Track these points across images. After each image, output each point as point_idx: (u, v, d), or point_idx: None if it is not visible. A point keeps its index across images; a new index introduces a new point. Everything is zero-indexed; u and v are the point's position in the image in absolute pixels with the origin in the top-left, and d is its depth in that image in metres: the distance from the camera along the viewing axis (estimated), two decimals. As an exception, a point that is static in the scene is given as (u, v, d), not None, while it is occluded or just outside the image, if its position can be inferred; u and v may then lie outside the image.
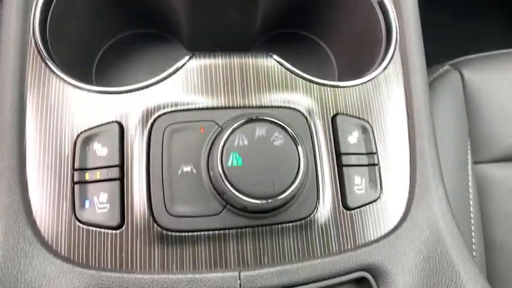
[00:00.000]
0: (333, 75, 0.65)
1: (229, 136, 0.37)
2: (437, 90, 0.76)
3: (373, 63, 0.52)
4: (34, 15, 0.44)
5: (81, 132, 0.41)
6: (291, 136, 0.38)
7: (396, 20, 0.51)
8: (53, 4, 0.46)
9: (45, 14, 0.45)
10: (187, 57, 0.45)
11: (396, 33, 0.50)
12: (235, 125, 0.37)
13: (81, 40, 0.54)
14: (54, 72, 0.42)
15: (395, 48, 0.50)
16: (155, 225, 0.39)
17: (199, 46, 0.62)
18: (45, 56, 0.43)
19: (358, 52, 0.58)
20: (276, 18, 0.62)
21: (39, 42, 0.43)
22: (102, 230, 0.39)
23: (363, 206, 0.43)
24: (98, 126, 0.41)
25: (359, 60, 0.58)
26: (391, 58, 0.49)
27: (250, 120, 0.38)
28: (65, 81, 0.42)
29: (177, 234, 0.39)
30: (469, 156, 0.75)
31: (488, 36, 1.46)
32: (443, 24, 1.32)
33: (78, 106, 0.42)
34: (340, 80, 0.65)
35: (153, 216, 0.39)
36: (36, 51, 0.43)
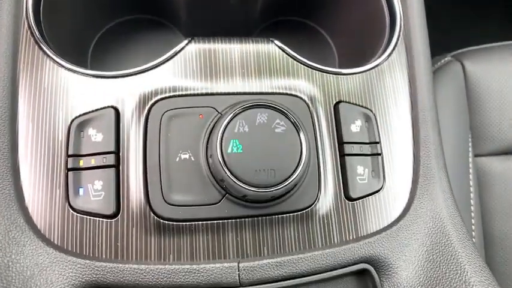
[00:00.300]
0: (333, 64, 0.64)
1: (229, 122, 0.36)
2: (439, 81, 0.75)
3: (375, 52, 0.50)
4: None
5: (76, 117, 0.39)
6: (292, 123, 0.37)
7: (400, 7, 0.49)
8: None
9: None
10: (186, 41, 0.43)
11: (401, 21, 0.49)
12: (236, 111, 0.36)
13: (76, 24, 0.52)
14: (47, 55, 0.41)
15: (399, 36, 0.48)
16: (152, 214, 0.37)
17: (198, 33, 0.60)
18: (39, 38, 0.41)
19: (360, 40, 0.57)
20: (276, 5, 0.60)
21: (33, 24, 0.42)
22: (97, 219, 0.37)
23: (365, 196, 0.42)
24: (93, 111, 0.39)
25: (360, 49, 0.57)
26: (395, 46, 0.48)
27: (251, 107, 0.36)
28: (59, 64, 0.41)
29: (175, 223, 0.38)
30: (470, 149, 0.74)
31: (488, 26, 1.45)
32: (444, 14, 1.31)
33: (73, 90, 0.40)
34: (340, 68, 0.64)
35: (149, 205, 0.38)
36: (29, 33, 0.41)
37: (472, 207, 0.71)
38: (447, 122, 0.72)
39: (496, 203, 0.74)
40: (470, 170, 0.73)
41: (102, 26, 0.59)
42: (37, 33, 0.42)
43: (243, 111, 0.36)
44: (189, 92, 0.41)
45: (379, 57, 0.48)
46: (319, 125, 0.42)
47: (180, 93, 0.41)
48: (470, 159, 0.74)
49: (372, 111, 0.44)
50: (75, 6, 0.51)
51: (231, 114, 0.36)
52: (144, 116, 0.39)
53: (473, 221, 0.70)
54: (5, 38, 0.41)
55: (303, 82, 0.43)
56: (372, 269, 0.40)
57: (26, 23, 0.42)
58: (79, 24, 0.53)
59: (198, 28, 0.59)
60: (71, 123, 0.39)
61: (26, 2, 0.42)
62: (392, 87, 0.47)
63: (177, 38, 0.63)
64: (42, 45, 0.41)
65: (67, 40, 0.48)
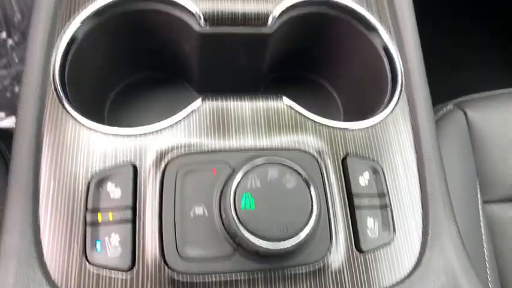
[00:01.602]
0: (338, 115, 0.66)
1: (241, 178, 0.37)
2: (442, 130, 0.77)
3: (380, 104, 0.53)
4: (55, 61, 0.46)
5: (96, 174, 0.41)
6: (303, 178, 0.38)
7: (401, 64, 0.52)
8: (72, 50, 0.48)
9: (64, 58, 0.47)
10: (199, 101, 0.46)
11: (402, 77, 0.52)
12: (248, 167, 0.38)
13: (95, 82, 0.56)
14: (71, 115, 0.44)
15: (401, 91, 0.51)
16: (166, 268, 0.38)
17: (209, 88, 0.64)
18: (64, 99, 0.45)
19: (364, 93, 0.60)
20: (283, 61, 0.64)
21: (59, 86, 0.45)
22: (113, 274, 0.38)
23: (376, 249, 0.42)
24: (112, 167, 0.41)
25: (364, 101, 0.59)
26: (398, 100, 0.50)
27: (263, 164, 0.38)
28: (81, 124, 0.43)
29: (188, 277, 0.38)
30: (479, 196, 0.74)
31: (488, 70, 1.49)
32: (444, 60, 1.36)
33: (93, 148, 0.43)
34: (346, 119, 0.66)
35: (164, 259, 0.38)
36: (55, 94, 0.45)
37: (486, 258, 0.69)
38: (453, 170, 0.73)
39: (511, 251, 0.72)
40: (481, 218, 0.73)
41: (120, 82, 0.63)
42: (62, 94, 0.45)
43: (254, 167, 0.38)
44: (203, 149, 0.43)
45: (383, 110, 0.50)
46: (328, 179, 0.43)
47: (195, 150, 0.43)
48: (480, 207, 0.73)
49: (378, 163, 0.46)
50: (96, 67, 0.55)
51: (244, 171, 0.38)
52: (161, 172, 0.41)
53: (488, 271, 0.68)
54: (32, 100, 0.44)
55: (311, 137, 0.45)
56: None
57: (52, 85, 0.45)
58: (98, 82, 0.57)
59: (208, 83, 0.63)
60: (91, 179, 0.41)
61: (54, 65, 0.46)
62: (397, 140, 0.48)
63: (187, 92, 0.66)
64: (66, 105, 0.44)
65: (86, 96, 0.52)
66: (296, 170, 0.39)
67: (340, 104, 0.68)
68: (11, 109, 1.55)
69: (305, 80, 0.68)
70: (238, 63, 0.59)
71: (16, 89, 1.58)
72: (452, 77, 1.37)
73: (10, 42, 1.62)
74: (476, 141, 0.78)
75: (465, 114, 0.80)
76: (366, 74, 0.59)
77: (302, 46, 0.61)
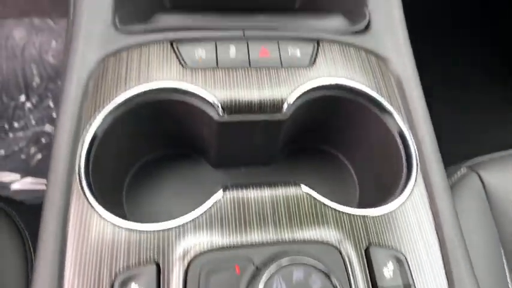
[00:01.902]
0: (353, 186, 0.66)
1: (266, 282, 0.37)
2: (459, 196, 0.77)
3: (396, 181, 0.53)
4: (81, 159, 0.48)
5: (119, 273, 0.41)
6: (331, 282, 0.38)
7: (415, 147, 0.53)
8: (95, 144, 0.50)
9: (88, 153, 0.49)
10: (221, 192, 0.47)
11: (417, 161, 0.52)
12: (273, 269, 0.38)
13: (113, 168, 0.57)
14: (95, 210, 0.45)
15: (417, 174, 0.51)
16: None
17: (224, 163, 0.66)
18: (88, 195, 0.46)
19: (378, 167, 0.60)
20: (297, 136, 0.66)
21: (84, 180, 0.47)
22: None
23: None
24: (135, 266, 0.42)
25: (379, 175, 0.60)
26: (414, 185, 0.50)
27: (288, 265, 0.38)
28: (105, 219, 0.44)
29: None
30: (505, 266, 0.71)
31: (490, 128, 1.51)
32: (449, 121, 1.38)
33: (117, 244, 0.43)
34: (361, 191, 0.66)
35: None
36: (80, 189, 0.46)
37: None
38: (475, 239, 0.71)
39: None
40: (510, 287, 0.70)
41: (136, 163, 0.64)
42: (87, 189, 0.46)
43: (279, 269, 0.38)
44: (225, 244, 0.43)
45: (401, 193, 0.50)
46: (353, 272, 0.43)
47: (217, 245, 0.43)
48: (508, 276, 0.71)
49: (402, 252, 0.45)
50: (116, 155, 0.57)
51: (268, 273, 0.38)
52: (184, 271, 0.41)
53: None
54: (58, 195, 0.46)
55: (332, 227, 0.45)
56: None
57: (78, 181, 0.47)
58: (116, 168, 0.58)
59: (224, 160, 0.64)
60: (115, 279, 0.41)
61: (79, 162, 0.48)
62: (417, 224, 0.48)
63: (203, 166, 0.67)
64: (91, 200, 0.45)
65: (105, 183, 0.53)
66: (321, 270, 0.38)
67: (355, 175, 0.68)
68: (26, 171, 1.59)
69: (321, 154, 0.69)
70: (253, 143, 0.61)
71: (32, 150, 1.63)
72: (456, 134, 1.38)
73: (28, 105, 1.70)
74: (495, 205, 0.77)
75: (480, 177, 0.80)
76: (379, 150, 0.59)
77: (315, 124, 0.63)
